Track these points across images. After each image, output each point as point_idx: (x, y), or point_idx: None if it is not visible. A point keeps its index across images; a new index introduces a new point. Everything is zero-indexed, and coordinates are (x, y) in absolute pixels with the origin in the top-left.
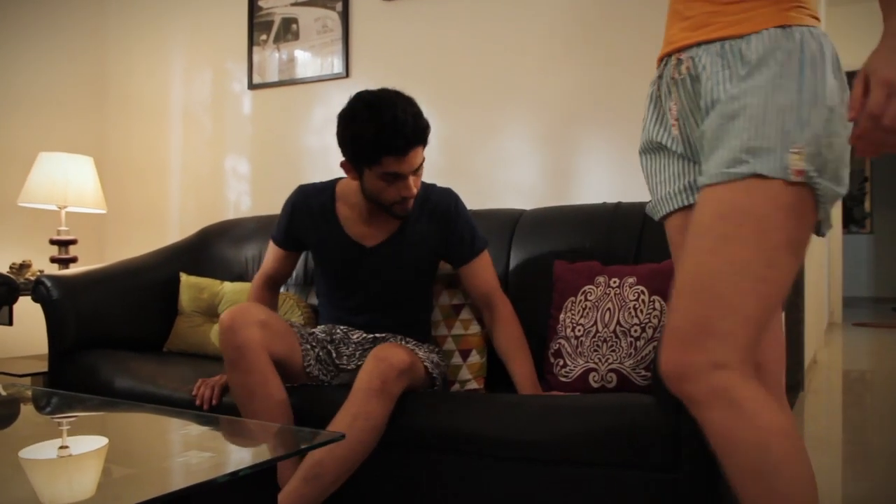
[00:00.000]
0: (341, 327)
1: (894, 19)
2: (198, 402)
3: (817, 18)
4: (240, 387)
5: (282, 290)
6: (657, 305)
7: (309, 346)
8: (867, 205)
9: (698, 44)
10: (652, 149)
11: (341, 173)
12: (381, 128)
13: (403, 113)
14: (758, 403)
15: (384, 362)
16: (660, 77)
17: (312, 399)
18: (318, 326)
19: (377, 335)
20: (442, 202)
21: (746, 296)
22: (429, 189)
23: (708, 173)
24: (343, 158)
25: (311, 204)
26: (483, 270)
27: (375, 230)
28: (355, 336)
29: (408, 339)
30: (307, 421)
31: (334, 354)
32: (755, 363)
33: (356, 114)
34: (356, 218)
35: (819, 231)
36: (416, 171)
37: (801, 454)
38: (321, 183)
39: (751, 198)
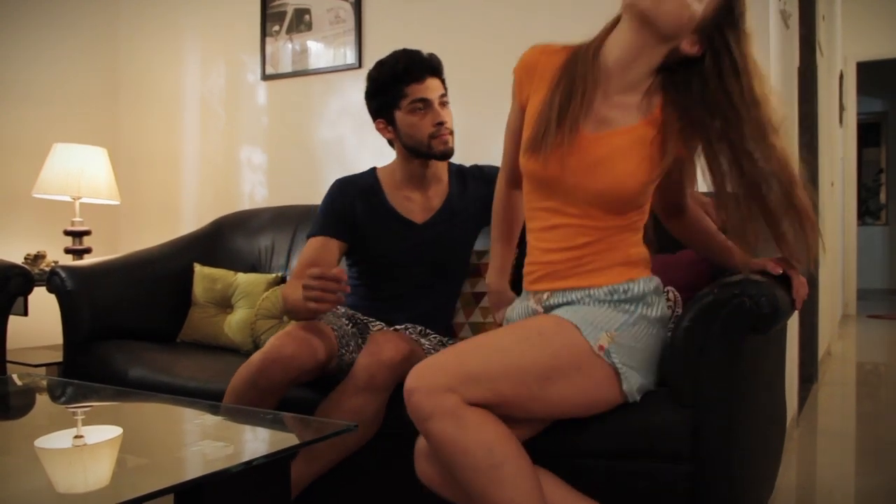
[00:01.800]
0: (361, 316)
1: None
2: (317, 307)
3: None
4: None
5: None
6: (671, 296)
7: (344, 345)
8: (882, 196)
9: (569, 288)
10: None
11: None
12: (397, 62)
13: (413, 51)
14: (480, 420)
15: (373, 357)
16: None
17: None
18: (341, 309)
19: (397, 327)
20: (473, 168)
21: (508, 382)
22: (460, 166)
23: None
24: (377, 121)
25: (356, 183)
26: None
27: (423, 207)
28: (375, 328)
29: (428, 330)
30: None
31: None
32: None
33: (374, 69)
34: (401, 195)
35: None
36: (443, 102)
37: (520, 453)
38: (359, 173)
39: (563, 338)
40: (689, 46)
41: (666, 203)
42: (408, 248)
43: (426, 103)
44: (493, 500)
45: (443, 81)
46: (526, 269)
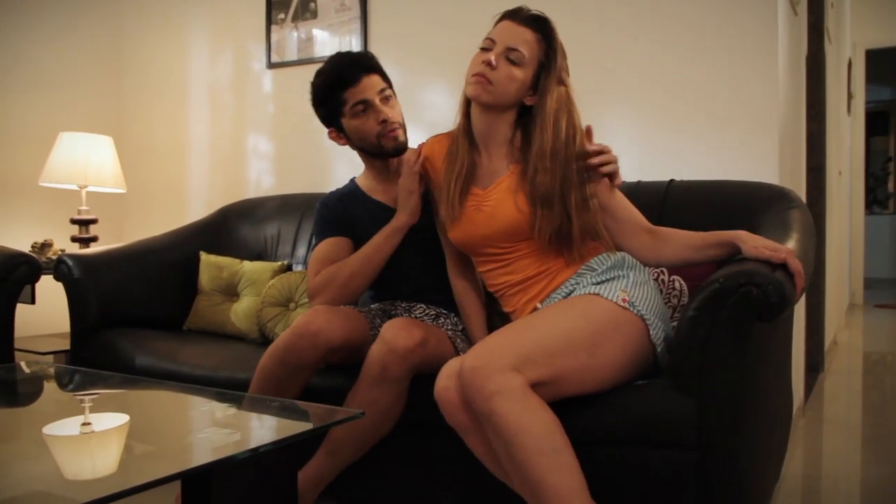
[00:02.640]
0: (402, 304)
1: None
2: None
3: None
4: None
5: (298, 268)
6: (677, 286)
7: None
8: (890, 185)
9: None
10: None
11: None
12: (329, 70)
13: (343, 52)
14: (540, 404)
15: (385, 346)
16: None
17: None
18: (374, 305)
19: (441, 311)
20: None
21: (562, 356)
22: None
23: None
24: (329, 131)
25: (336, 193)
26: None
27: None
28: (417, 311)
29: (441, 311)
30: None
31: None
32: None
33: (314, 78)
34: (381, 191)
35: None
36: (384, 97)
37: (570, 443)
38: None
39: (594, 305)
40: (529, 100)
41: (620, 232)
42: (405, 237)
43: (366, 104)
44: (552, 484)
45: (382, 75)
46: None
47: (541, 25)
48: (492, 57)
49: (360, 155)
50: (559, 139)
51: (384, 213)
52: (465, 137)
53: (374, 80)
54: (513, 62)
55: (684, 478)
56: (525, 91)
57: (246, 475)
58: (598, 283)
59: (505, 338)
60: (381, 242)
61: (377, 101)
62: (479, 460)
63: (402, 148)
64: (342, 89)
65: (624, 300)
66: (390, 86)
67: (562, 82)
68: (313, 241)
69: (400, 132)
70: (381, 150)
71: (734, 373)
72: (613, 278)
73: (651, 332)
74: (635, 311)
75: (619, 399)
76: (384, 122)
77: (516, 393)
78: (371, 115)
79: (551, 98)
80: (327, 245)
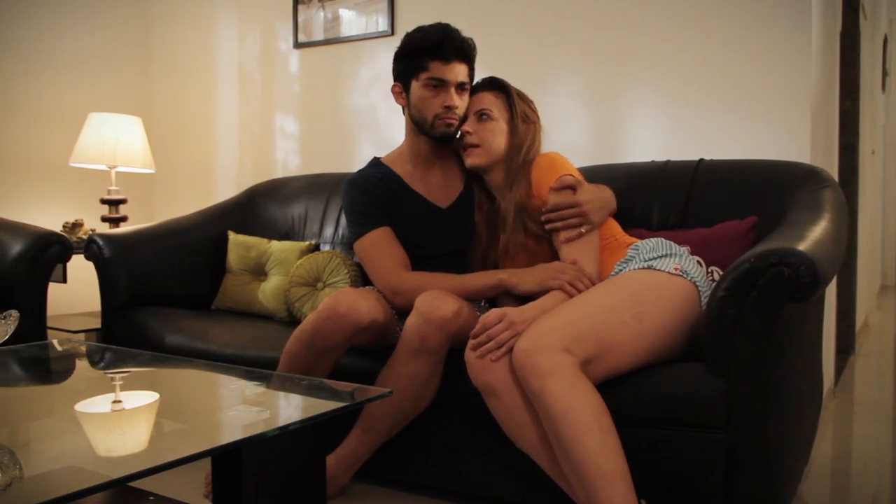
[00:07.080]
0: None
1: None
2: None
3: None
4: None
5: (326, 247)
6: (715, 276)
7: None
8: None
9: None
10: None
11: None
12: (430, 33)
13: (452, 28)
14: (590, 386)
15: (423, 317)
16: None
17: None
18: None
19: None
20: None
21: (609, 328)
22: None
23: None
24: (394, 84)
25: (369, 175)
26: None
27: (442, 188)
28: None
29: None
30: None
31: None
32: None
33: (411, 32)
34: (417, 178)
35: None
36: (462, 90)
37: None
38: (363, 168)
39: (642, 279)
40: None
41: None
42: (435, 231)
43: (443, 84)
44: (596, 463)
45: (471, 70)
46: None
47: (493, 84)
48: (467, 127)
49: (409, 127)
50: (521, 164)
51: (423, 209)
52: (488, 199)
53: (462, 70)
54: (486, 119)
55: (713, 458)
56: (510, 140)
57: (276, 453)
58: (650, 260)
59: (555, 320)
60: (482, 289)
61: (453, 87)
62: (500, 424)
63: (449, 138)
64: (431, 58)
65: (676, 268)
66: (472, 83)
67: (528, 120)
68: (356, 230)
69: (455, 124)
70: (431, 129)
71: (764, 353)
72: (666, 255)
73: (703, 299)
74: (688, 278)
75: (649, 379)
76: (448, 107)
77: (568, 373)
78: (441, 95)
79: (526, 134)
80: (383, 237)
